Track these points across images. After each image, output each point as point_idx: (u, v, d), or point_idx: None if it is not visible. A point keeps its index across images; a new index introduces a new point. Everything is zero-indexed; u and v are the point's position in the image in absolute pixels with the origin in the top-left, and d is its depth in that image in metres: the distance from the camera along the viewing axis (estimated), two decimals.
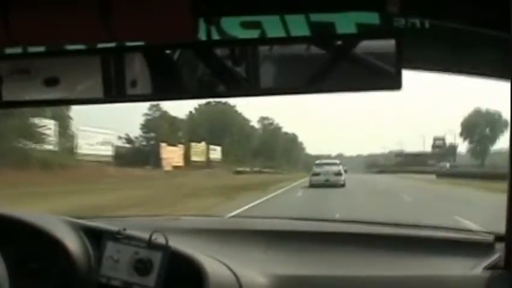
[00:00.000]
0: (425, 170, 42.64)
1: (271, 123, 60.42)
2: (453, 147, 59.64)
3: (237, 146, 50.28)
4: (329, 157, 47.83)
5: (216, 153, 45.18)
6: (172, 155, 37.40)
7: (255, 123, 58.83)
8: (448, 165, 50.11)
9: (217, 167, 40.34)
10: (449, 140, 60.52)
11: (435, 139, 60.35)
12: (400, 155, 64.47)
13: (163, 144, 37.60)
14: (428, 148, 61.87)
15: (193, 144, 41.84)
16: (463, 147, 59.13)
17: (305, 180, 25.72)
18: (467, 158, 56.83)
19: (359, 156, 75.50)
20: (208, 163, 41.86)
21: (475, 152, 55.81)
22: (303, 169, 50.27)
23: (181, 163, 38.33)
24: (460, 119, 57.61)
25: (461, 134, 57.79)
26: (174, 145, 38.77)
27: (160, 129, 42.26)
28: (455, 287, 1.42)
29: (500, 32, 1.22)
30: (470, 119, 55.40)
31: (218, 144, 45.14)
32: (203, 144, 43.24)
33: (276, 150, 57.48)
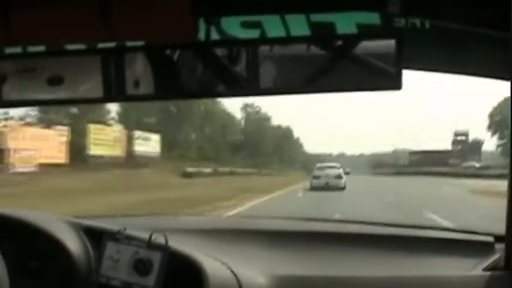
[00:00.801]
0: (455, 172, 38.39)
1: (257, 112, 53.99)
2: (477, 144, 54.57)
3: (202, 138, 42.21)
4: (329, 156, 49.23)
5: (149, 144, 31.59)
6: (41, 143, 23.09)
7: (235, 110, 52.46)
8: (476, 165, 45.16)
9: (150, 165, 27.69)
10: (472, 135, 55.37)
11: (456, 134, 55.46)
12: (415, 152, 58.61)
13: (12, 125, 22.90)
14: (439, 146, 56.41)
15: (93, 127, 27.57)
16: (490, 143, 55.29)
17: (300, 186, 24.24)
18: (496, 156, 51.86)
19: (361, 156, 71.29)
20: (131, 159, 28.14)
21: (505, 149, 49.49)
22: (301, 169, 46.69)
23: (61, 158, 24.07)
24: (488, 110, 52.14)
25: (490, 128, 52.91)
26: (48, 127, 24.91)
27: (69, 108, 28.31)
28: (455, 287, 1.53)
29: (500, 32, 1.32)
30: (501, 109, 49.86)
31: (156, 132, 33.01)
32: (116, 128, 30.22)
33: (263, 145, 49.87)
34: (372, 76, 1.22)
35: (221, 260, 1.55)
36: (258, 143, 49.51)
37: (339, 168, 25.92)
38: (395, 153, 65.09)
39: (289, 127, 58.71)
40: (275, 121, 54.29)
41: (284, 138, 56.08)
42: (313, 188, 23.24)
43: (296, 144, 61.40)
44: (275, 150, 52.70)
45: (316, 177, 24.74)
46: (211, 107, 45.63)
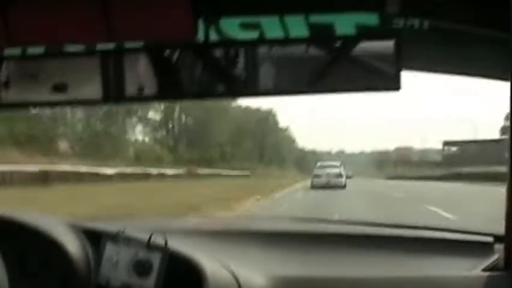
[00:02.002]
0: None
1: None
2: None
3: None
4: (328, 154, 46.30)
5: None
6: None
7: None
8: None
9: None
10: None
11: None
12: (452, 143, 41.10)
13: None
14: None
15: None
16: None
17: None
18: None
19: (362, 153, 63.57)
20: None
21: None
22: (293, 168, 40.12)
23: None
24: None
25: None
26: None
27: None
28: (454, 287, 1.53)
29: (500, 32, 1.32)
30: None
31: None
32: None
33: (215, 131, 33.20)
34: (371, 77, 1.22)
35: (220, 261, 1.54)
36: (204, 125, 32.12)
37: (339, 167, 26.79)
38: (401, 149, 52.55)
39: (271, 111, 44.03)
40: (249, 102, 43.15)
41: (263, 122, 41.40)
42: (314, 187, 24.12)
43: (285, 137, 48.01)
44: (249, 141, 36.24)
45: (317, 176, 25.71)
46: None
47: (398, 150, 53.37)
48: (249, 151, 36.43)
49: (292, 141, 48.86)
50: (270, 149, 41.85)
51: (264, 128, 41.42)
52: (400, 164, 46.82)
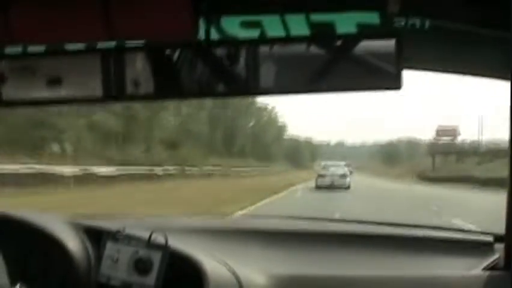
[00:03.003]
0: None
1: None
2: None
3: None
4: (327, 146, 45.20)
5: None
6: None
7: None
8: None
9: None
10: None
11: None
12: None
13: None
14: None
15: None
16: None
17: None
18: None
19: (365, 144, 57.11)
20: None
21: None
22: (285, 162, 33.77)
23: None
24: None
25: None
26: None
27: None
28: (455, 287, 1.53)
29: (501, 32, 1.32)
30: None
31: None
32: None
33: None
34: (372, 76, 1.21)
35: (221, 259, 1.54)
36: None
37: (343, 167, 27.54)
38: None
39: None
40: None
41: (234, 102, 29.75)
42: (318, 187, 24.34)
43: (270, 122, 38.08)
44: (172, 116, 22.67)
45: (321, 176, 26.17)
46: None
47: (440, 131, 36.03)
48: (204, 136, 26.26)
49: (281, 127, 39.90)
50: (245, 136, 31.56)
51: (233, 105, 30.35)
52: (440, 154, 33.50)
